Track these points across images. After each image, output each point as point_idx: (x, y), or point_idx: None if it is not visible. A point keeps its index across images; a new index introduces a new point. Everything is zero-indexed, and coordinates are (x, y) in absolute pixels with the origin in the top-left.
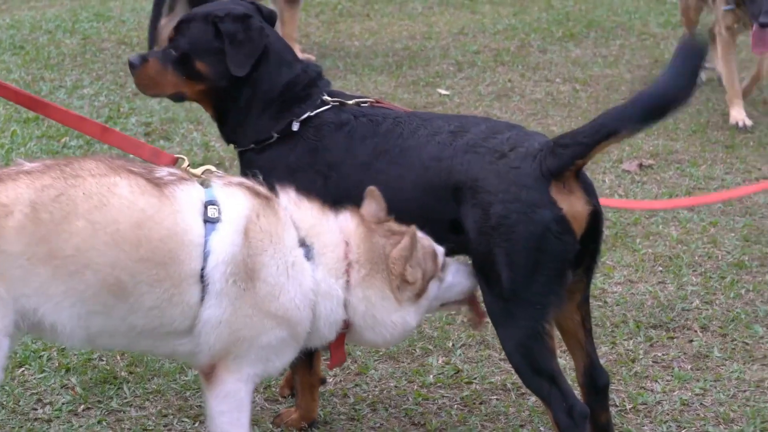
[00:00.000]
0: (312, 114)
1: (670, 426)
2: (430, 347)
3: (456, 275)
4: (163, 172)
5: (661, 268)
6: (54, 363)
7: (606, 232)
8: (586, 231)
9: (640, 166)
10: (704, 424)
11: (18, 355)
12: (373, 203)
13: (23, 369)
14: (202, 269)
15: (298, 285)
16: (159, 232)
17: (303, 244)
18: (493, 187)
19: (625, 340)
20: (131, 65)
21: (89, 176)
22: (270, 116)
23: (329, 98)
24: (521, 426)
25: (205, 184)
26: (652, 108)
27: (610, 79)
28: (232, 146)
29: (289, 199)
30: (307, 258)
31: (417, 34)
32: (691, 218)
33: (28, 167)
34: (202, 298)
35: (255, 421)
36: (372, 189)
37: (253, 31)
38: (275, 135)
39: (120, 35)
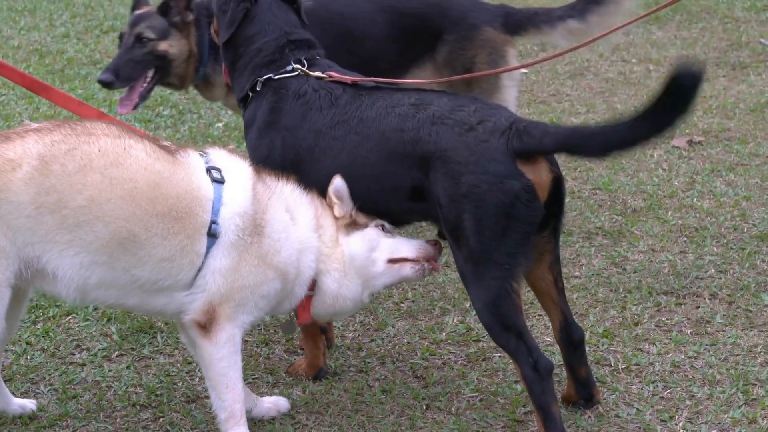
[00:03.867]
0: (273, 77)
1: (657, 386)
2: (449, 307)
3: (401, 239)
4: (165, 142)
5: (685, 239)
6: (98, 312)
7: (641, 203)
8: (549, 196)
9: (690, 142)
10: (690, 385)
11: (66, 304)
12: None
13: (70, 317)
14: (212, 222)
15: (291, 243)
16: (176, 191)
17: (287, 209)
18: (464, 158)
19: (634, 305)
20: None
21: (103, 135)
22: (246, 77)
23: (297, 66)
24: (516, 382)
25: (202, 154)
26: (616, 145)
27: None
28: None
29: (267, 174)
30: (292, 221)
31: None
32: (726, 192)
33: (37, 126)
34: (207, 250)
35: (270, 371)
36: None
37: (232, 2)
38: (249, 93)
39: None
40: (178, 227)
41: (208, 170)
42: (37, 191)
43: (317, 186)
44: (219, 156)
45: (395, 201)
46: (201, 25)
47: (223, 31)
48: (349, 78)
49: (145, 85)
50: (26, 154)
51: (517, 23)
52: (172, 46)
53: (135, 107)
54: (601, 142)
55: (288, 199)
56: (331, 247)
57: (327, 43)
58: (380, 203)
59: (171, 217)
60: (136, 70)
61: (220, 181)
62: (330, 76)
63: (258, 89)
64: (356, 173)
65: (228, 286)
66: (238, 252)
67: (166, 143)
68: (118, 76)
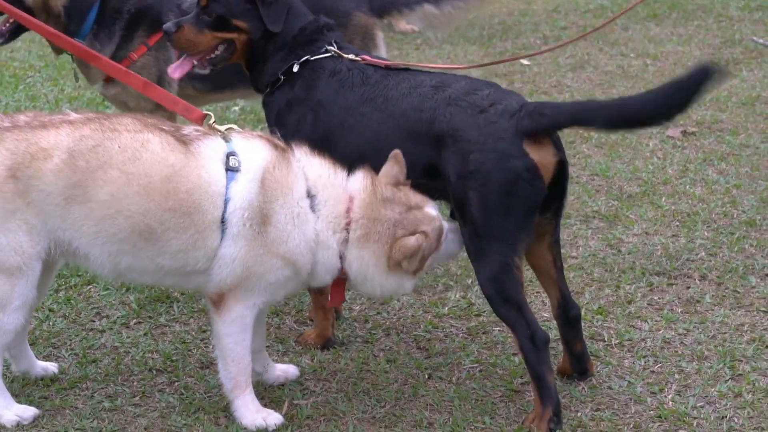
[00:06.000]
0: (311, 58)
1: (648, 360)
2: (452, 283)
3: (450, 244)
4: (189, 130)
5: (677, 223)
6: (117, 282)
7: (636, 189)
8: (553, 178)
9: (684, 132)
10: (679, 360)
11: (88, 274)
12: (394, 166)
13: (91, 286)
14: (223, 214)
15: (302, 233)
16: (186, 185)
17: (309, 194)
18: (473, 137)
19: (628, 284)
20: (166, 32)
21: (125, 131)
22: (280, 60)
23: (331, 48)
24: (514, 354)
25: (227, 138)
26: (626, 119)
27: (680, 56)
28: None
29: (302, 151)
30: (311, 209)
31: (515, 11)
32: (717, 180)
33: (73, 117)
34: (221, 240)
35: (281, 340)
36: (396, 152)
37: None
38: (281, 77)
39: None
40: (188, 222)
41: (228, 156)
42: (66, 184)
43: (343, 161)
44: (239, 140)
45: (413, 177)
46: None
47: (275, 18)
48: (382, 62)
49: None
50: (57, 146)
51: (381, 7)
52: None
53: None
54: (612, 115)
55: (315, 181)
56: (378, 271)
57: None
58: None
59: (181, 212)
60: None
61: (235, 170)
62: (363, 59)
63: (294, 71)
64: (379, 149)
65: (235, 274)
66: (245, 241)
67: (187, 130)
68: None
